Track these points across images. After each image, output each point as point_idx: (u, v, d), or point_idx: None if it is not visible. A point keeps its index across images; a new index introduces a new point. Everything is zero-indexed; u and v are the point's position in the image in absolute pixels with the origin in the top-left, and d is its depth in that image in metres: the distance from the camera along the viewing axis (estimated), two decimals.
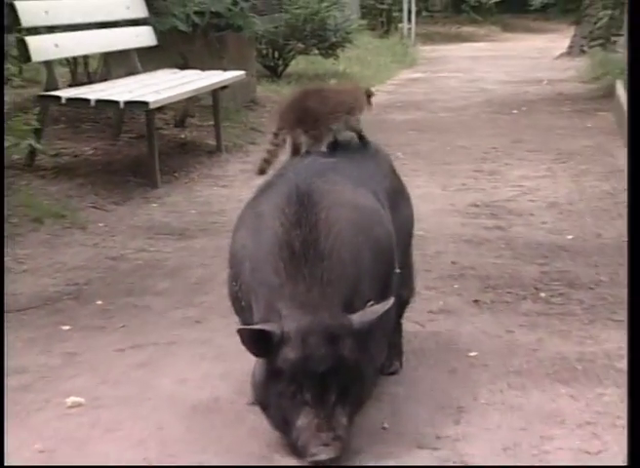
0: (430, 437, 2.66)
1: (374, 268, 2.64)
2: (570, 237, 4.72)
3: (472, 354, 3.26)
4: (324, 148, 2.94)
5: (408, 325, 3.50)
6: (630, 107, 2.71)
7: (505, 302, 3.79)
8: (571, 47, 12.95)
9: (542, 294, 3.87)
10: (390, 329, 2.81)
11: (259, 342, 2.44)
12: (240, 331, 2.46)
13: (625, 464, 2.18)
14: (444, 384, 3.01)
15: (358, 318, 2.47)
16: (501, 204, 5.39)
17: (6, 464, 2.21)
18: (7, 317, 3.62)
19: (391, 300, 2.55)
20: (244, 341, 2.46)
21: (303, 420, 2.41)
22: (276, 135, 2.98)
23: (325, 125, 2.95)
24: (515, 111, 8.73)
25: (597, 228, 4.84)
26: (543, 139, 7.30)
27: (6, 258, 4.27)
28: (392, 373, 3.04)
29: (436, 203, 5.41)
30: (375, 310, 2.50)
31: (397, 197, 3.02)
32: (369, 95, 3.17)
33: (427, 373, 3.11)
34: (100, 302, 3.80)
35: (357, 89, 3.18)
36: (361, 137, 3.06)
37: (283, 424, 2.47)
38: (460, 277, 4.11)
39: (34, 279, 4.08)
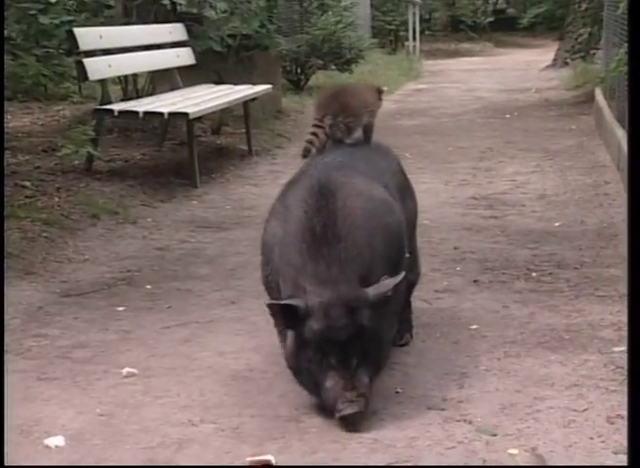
0: (437, 399, 2.64)
1: (385, 251, 2.61)
2: (557, 224, 4.67)
3: (473, 327, 3.23)
4: (351, 140, 2.94)
5: (416, 302, 3.47)
6: (630, 107, 2.64)
7: (501, 282, 3.75)
8: (555, 60, 12.82)
9: (534, 274, 3.83)
10: (401, 303, 2.78)
11: (286, 315, 2.44)
12: (269, 306, 2.46)
13: (626, 464, 2.14)
14: (448, 353, 2.99)
15: (373, 290, 2.46)
16: (497, 196, 5.35)
17: (6, 464, 2.18)
18: (70, 300, 3.62)
19: (401, 275, 2.53)
20: (273, 315, 2.47)
21: (330, 382, 2.42)
22: (320, 121, 2.95)
23: (359, 117, 2.96)
24: (507, 116, 8.66)
25: (581, 216, 4.80)
26: (533, 140, 7.23)
27: (69, 250, 4.28)
28: (404, 345, 3.02)
29: (439, 196, 5.37)
30: (387, 283, 2.48)
31: (404, 192, 3.00)
32: (380, 92, 3.17)
33: (434, 344, 3.08)
34: (149, 287, 3.80)
35: (374, 89, 3.18)
36: (368, 137, 3.04)
37: (313, 387, 2.48)
38: (462, 260, 4.07)
39: (93, 267, 4.08)
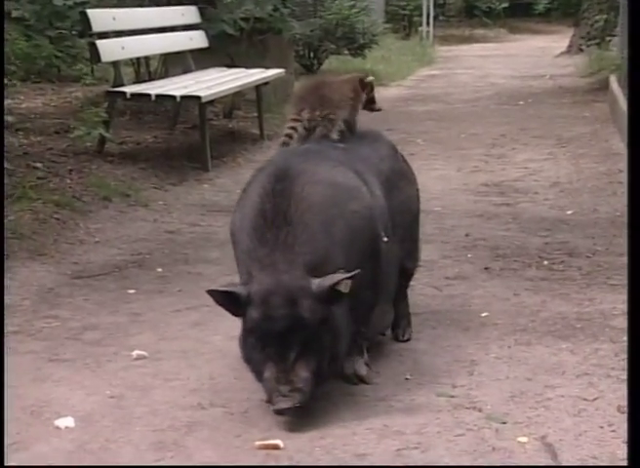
0: (447, 386, 2.63)
1: (349, 239, 2.47)
2: (570, 212, 4.64)
3: (484, 314, 3.22)
4: (335, 135, 2.82)
5: (427, 289, 3.48)
6: (630, 107, 2.62)
7: (513, 269, 3.74)
8: (570, 46, 12.73)
9: (545, 262, 3.81)
10: (367, 302, 2.60)
11: (228, 303, 2.37)
12: (210, 293, 2.38)
13: (626, 465, 2.13)
14: (459, 341, 2.98)
15: (318, 281, 2.33)
16: (509, 183, 5.32)
17: (6, 464, 2.18)
18: (81, 282, 3.63)
19: (354, 272, 2.35)
20: (216, 302, 2.39)
21: (267, 373, 2.35)
22: (297, 115, 2.84)
23: (338, 110, 2.83)
24: (521, 102, 8.60)
25: (594, 204, 4.77)
26: (546, 127, 7.18)
27: (80, 232, 4.29)
28: (408, 340, 2.98)
29: (452, 183, 5.35)
30: (335, 277, 2.34)
31: (397, 178, 2.86)
32: (364, 84, 2.96)
33: (444, 331, 3.07)
34: (159, 270, 3.80)
35: (356, 81, 2.98)
36: (350, 131, 2.89)
37: (257, 376, 2.41)
38: (473, 247, 4.06)
39: (104, 249, 4.08)
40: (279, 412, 2.34)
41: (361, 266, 2.44)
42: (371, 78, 2.96)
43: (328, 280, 2.34)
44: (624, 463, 2.14)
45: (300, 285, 2.33)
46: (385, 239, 2.64)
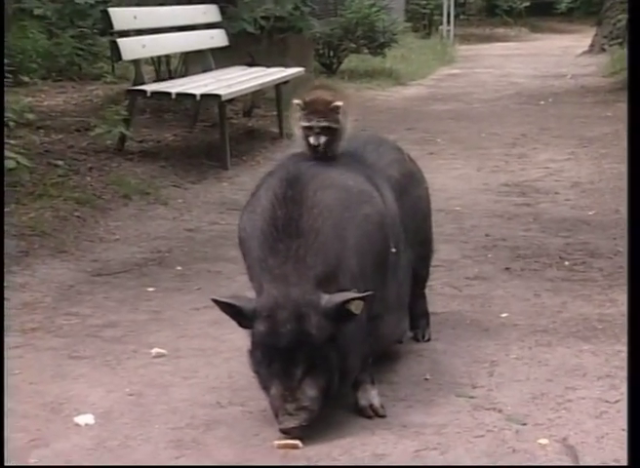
0: (467, 387, 2.62)
1: (363, 244, 2.40)
2: (591, 212, 4.61)
3: (504, 315, 3.20)
4: (338, 149, 2.55)
5: (446, 289, 3.46)
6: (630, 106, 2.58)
7: (533, 270, 3.71)
8: (592, 45, 12.65)
9: (566, 263, 3.79)
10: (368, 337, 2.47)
11: (234, 315, 2.32)
12: (215, 302, 2.33)
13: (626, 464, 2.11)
14: (478, 341, 2.96)
15: (328, 297, 2.26)
16: (530, 183, 5.29)
17: (6, 464, 2.17)
18: (101, 280, 3.64)
19: (367, 293, 2.28)
20: (222, 311, 2.35)
21: (274, 390, 2.28)
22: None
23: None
24: (542, 102, 8.56)
25: (615, 205, 4.73)
26: (567, 127, 7.14)
27: (100, 229, 4.30)
28: (427, 340, 2.96)
29: (472, 183, 5.32)
30: (346, 295, 2.27)
31: (406, 181, 2.80)
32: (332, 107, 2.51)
33: (464, 332, 3.06)
34: (179, 268, 3.81)
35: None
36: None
37: (265, 392, 2.34)
38: (493, 247, 4.04)
39: (124, 247, 4.10)
40: (285, 432, 2.27)
41: (373, 272, 2.40)
42: (339, 104, 2.51)
43: (338, 297, 2.27)
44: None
45: (308, 300, 2.25)
46: (394, 250, 2.57)
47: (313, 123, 2.47)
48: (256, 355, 2.34)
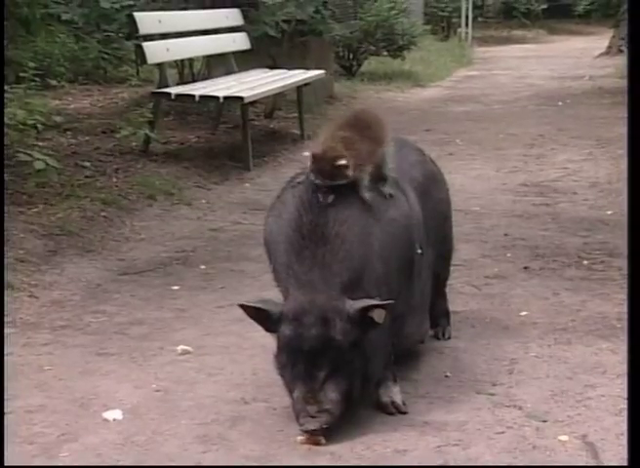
0: (487, 384, 2.62)
1: (388, 248, 2.39)
2: (609, 212, 4.59)
3: (523, 313, 3.20)
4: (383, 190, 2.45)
5: (466, 288, 3.46)
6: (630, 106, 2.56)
7: (552, 269, 3.70)
8: (609, 47, 12.58)
9: (585, 262, 3.77)
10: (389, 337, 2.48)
11: (261, 319, 2.34)
12: (242, 307, 2.35)
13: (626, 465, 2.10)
14: (498, 339, 2.96)
15: (352, 303, 2.27)
16: (548, 183, 5.27)
17: (6, 464, 2.18)
18: (127, 278, 3.67)
19: (388, 301, 2.30)
20: (248, 316, 2.36)
21: (297, 393, 2.30)
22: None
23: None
24: (560, 103, 8.51)
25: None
26: (585, 128, 7.10)
27: (126, 229, 4.33)
28: (448, 338, 2.97)
29: (490, 183, 5.31)
30: (370, 301, 2.28)
31: (429, 183, 2.80)
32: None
33: (484, 330, 3.05)
34: (203, 267, 3.82)
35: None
36: None
37: (289, 394, 2.35)
38: (512, 247, 4.03)
39: (149, 246, 4.12)
40: (306, 433, 2.28)
41: (398, 274, 2.40)
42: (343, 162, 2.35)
43: (362, 302, 2.28)
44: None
45: (333, 305, 2.27)
46: (420, 251, 2.58)
47: (319, 182, 2.35)
48: (281, 358, 2.36)
